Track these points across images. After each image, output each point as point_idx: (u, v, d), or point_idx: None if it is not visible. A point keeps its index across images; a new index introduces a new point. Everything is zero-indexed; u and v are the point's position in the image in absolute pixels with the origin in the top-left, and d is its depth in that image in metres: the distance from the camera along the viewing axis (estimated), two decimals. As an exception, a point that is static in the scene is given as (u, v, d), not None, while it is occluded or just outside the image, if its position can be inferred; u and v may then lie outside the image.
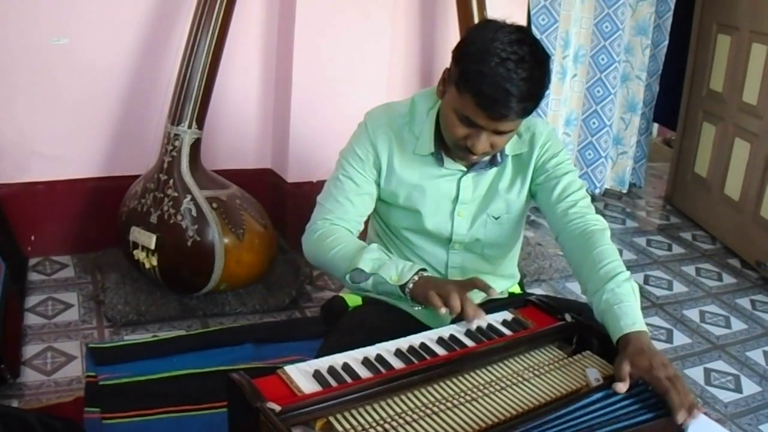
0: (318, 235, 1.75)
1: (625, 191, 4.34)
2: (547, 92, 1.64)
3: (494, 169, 1.77)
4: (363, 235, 2.05)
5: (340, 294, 1.92)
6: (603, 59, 3.93)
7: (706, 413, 1.38)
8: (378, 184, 1.79)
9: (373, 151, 1.76)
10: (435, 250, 1.84)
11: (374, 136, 1.75)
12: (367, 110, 1.82)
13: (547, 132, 1.79)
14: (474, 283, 1.57)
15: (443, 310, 1.51)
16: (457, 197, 1.77)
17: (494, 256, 1.88)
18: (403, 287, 1.59)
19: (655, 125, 5.31)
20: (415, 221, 1.80)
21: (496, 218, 1.80)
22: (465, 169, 1.75)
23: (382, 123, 1.76)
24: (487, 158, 1.73)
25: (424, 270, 1.61)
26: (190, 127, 2.57)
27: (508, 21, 1.58)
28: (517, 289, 2.02)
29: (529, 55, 1.50)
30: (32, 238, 2.85)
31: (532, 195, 1.83)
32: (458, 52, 1.58)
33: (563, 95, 3.87)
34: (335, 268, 1.71)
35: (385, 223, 1.87)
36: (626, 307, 1.49)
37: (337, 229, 1.74)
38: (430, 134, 1.72)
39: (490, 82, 1.48)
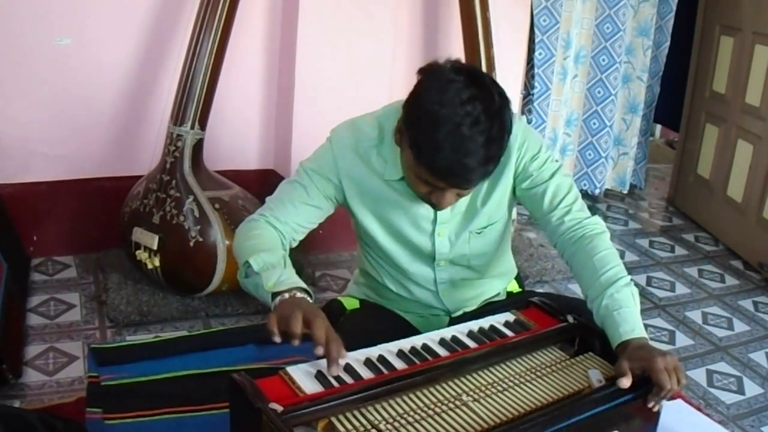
0: (247, 226, 1.67)
1: (625, 192, 4.34)
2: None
3: None
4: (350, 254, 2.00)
5: (339, 297, 1.91)
6: (604, 60, 3.93)
7: (708, 415, 1.39)
8: (334, 204, 1.72)
9: (335, 171, 1.67)
10: (421, 269, 1.78)
11: (339, 157, 1.67)
12: (333, 127, 1.74)
13: (522, 132, 1.66)
14: (329, 345, 1.35)
15: (276, 339, 1.36)
16: (435, 218, 1.70)
17: (483, 264, 1.82)
18: (274, 296, 1.44)
19: (659, 126, 5.31)
20: (396, 245, 1.75)
21: (479, 233, 1.74)
22: None
23: (348, 146, 1.68)
24: None
25: (302, 291, 1.45)
26: (192, 127, 2.57)
27: (453, 59, 1.52)
28: (515, 286, 1.98)
29: (483, 112, 1.40)
30: (34, 238, 2.85)
31: (519, 202, 1.76)
32: (407, 114, 1.50)
33: (564, 96, 3.87)
34: (240, 260, 1.59)
35: (371, 249, 1.81)
36: (625, 313, 1.48)
37: (266, 227, 1.65)
38: (399, 158, 1.61)
39: (445, 155, 1.40)
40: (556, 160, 1.72)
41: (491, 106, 1.42)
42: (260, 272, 1.49)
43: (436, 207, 1.58)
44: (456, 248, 1.75)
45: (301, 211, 1.68)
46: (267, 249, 1.55)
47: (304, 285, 1.48)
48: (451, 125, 1.39)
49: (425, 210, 1.68)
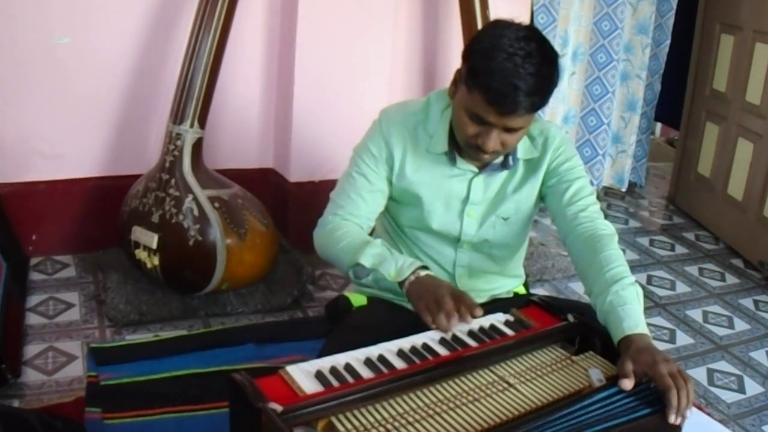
0: (328, 229, 1.76)
1: (624, 190, 4.34)
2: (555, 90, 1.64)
3: (505, 172, 1.78)
4: (371, 232, 2.05)
5: (345, 293, 1.92)
6: (602, 58, 3.93)
7: (708, 414, 1.38)
8: (390, 181, 1.80)
9: (386, 148, 1.76)
10: (443, 248, 1.84)
11: (388, 133, 1.76)
12: (383, 107, 1.83)
13: (561, 137, 1.80)
14: (463, 298, 1.53)
15: (432, 326, 1.49)
16: (467, 198, 1.78)
17: (502, 257, 1.88)
18: (401, 284, 1.59)
19: (659, 125, 5.31)
20: (424, 220, 1.80)
21: (505, 219, 1.81)
22: (477, 170, 1.76)
23: (397, 121, 1.77)
24: (499, 160, 1.74)
25: (423, 268, 1.60)
26: (192, 126, 2.56)
27: (517, 21, 1.60)
28: (522, 290, 2.02)
29: (536, 51, 1.52)
30: (33, 237, 2.85)
31: (541, 198, 1.83)
32: (467, 51, 1.60)
33: (561, 93, 3.86)
34: (340, 262, 1.71)
35: (394, 220, 1.87)
36: (629, 309, 1.49)
37: (346, 224, 1.75)
38: (444, 133, 1.73)
39: (497, 77, 1.50)
40: (584, 172, 1.83)
41: (544, 50, 1.55)
42: (376, 267, 1.62)
43: (481, 152, 1.63)
44: (481, 231, 1.81)
45: (369, 200, 1.78)
46: (366, 243, 1.67)
47: (419, 262, 1.61)
48: (506, 54, 1.50)
49: (459, 188, 1.77)
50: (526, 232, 1.92)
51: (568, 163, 1.78)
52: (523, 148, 1.77)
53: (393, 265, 1.60)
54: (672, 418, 1.31)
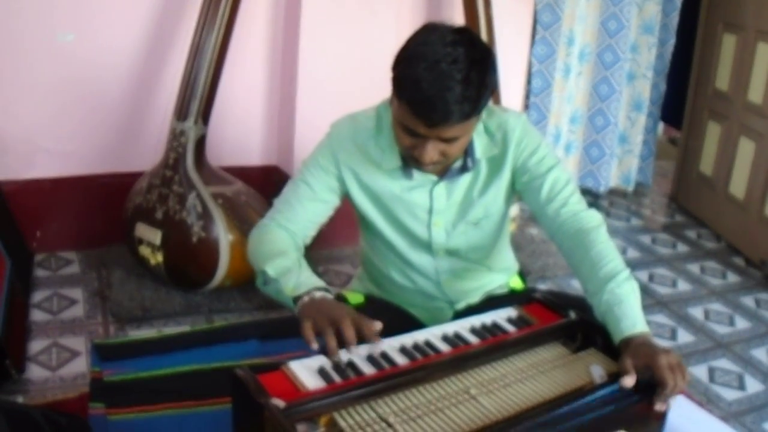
0: (259, 231, 1.71)
1: (631, 189, 4.33)
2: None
3: (467, 175, 1.70)
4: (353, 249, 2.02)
5: (342, 292, 1.91)
6: (609, 57, 3.93)
7: (709, 411, 1.39)
8: (339, 196, 1.75)
9: (334, 163, 1.70)
10: (422, 259, 1.78)
11: (338, 149, 1.70)
12: (333, 121, 1.77)
13: (520, 128, 1.69)
14: (361, 325, 1.42)
15: (314, 346, 1.40)
16: (431, 207, 1.71)
17: (481, 258, 1.83)
18: (296, 301, 1.50)
19: (660, 123, 5.31)
20: (396, 234, 1.76)
21: (476, 224, 1.75)
22: (436, 177, 1.68)
23: (346, 137, 1.71)
24: (458, 164, 1.67)
25: (322, 290, 1.51)
26: (195, 123, 2.57)
27: (448, 23, 1.52)
28: (518, 283, 1.98)
29: (463, 56, 1.42)
30: (38, 234, 2.86)
31: (519, 196, 1.77)
32: (394, 59, 1.51)
33: (567, 93, 3.86)
34: (256, 267, 1.64)
35: (374, 239, 1.83)
36: (626, 307, 1.48)
37: (278, 231, 1.69)
38: (395, 147, 1.65)
39: (422, 87, 1.42)
40: (555, 157, 1.73)
41: (472, 53, 1.45)
42: (278, 278, 1.53)
43: (420, 164, 1.56)
44: (452, 239, 1.75)
45: (309, 208, 1.71)
46: (281, 254, 1.59)
47: (321, 283, 1.53)
48: (431, 61, 1.42)
49: (421, 199, 1.70)
50: (502, 229, 1.84)
51: (535, 155, 1.68)
52: (482, 147, 1.67)
53: (293, 280, 1.52)
54: (659, 406, 1.36)
